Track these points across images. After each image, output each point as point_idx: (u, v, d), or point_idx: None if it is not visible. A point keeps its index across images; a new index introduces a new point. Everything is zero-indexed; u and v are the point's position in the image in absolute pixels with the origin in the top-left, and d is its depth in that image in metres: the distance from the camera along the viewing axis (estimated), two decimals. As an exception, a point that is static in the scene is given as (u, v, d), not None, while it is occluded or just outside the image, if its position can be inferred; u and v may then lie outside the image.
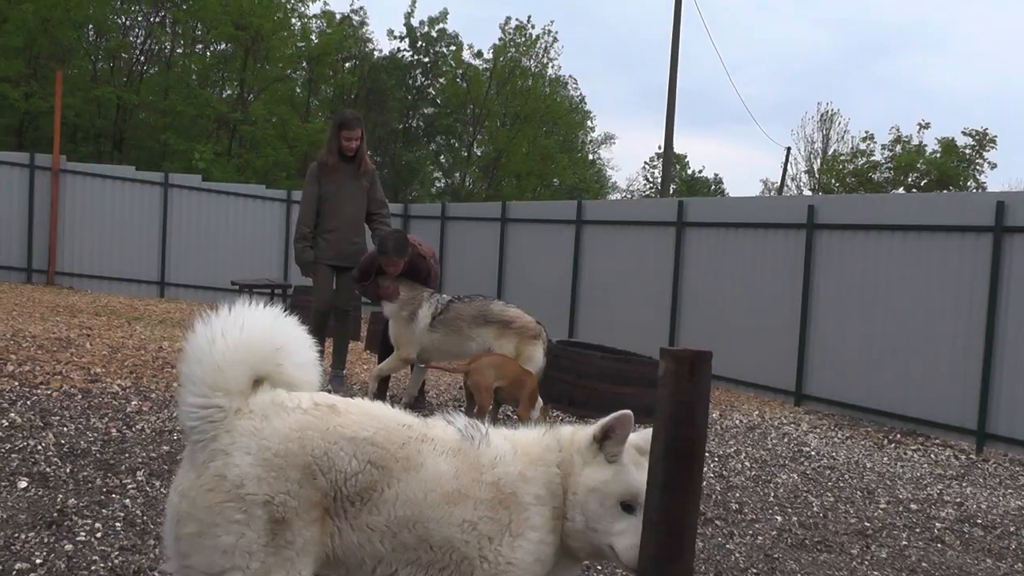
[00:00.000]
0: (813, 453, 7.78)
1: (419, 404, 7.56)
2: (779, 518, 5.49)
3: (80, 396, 6.21)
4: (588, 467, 2.51)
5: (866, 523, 5.58)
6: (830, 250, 11.02)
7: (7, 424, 5.16)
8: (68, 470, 4.39)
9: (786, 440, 8.32)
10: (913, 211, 10.19)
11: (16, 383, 6.37)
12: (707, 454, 7.07)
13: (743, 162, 79.88)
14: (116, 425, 5.46)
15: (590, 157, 44.43)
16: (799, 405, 11.05)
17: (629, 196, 52.12)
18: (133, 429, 5.40)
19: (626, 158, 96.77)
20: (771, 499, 5.98)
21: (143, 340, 9.76)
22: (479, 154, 35.19)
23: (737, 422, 9.01)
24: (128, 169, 18.30)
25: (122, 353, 8.41)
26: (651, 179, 52.85)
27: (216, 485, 2.33)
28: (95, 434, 5.18)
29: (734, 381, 12.09)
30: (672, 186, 48.35)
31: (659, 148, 52.93)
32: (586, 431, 2.59)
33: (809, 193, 43.40)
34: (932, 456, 8.37)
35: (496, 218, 17.05)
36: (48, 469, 4.37)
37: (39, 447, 4.74)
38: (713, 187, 53.02)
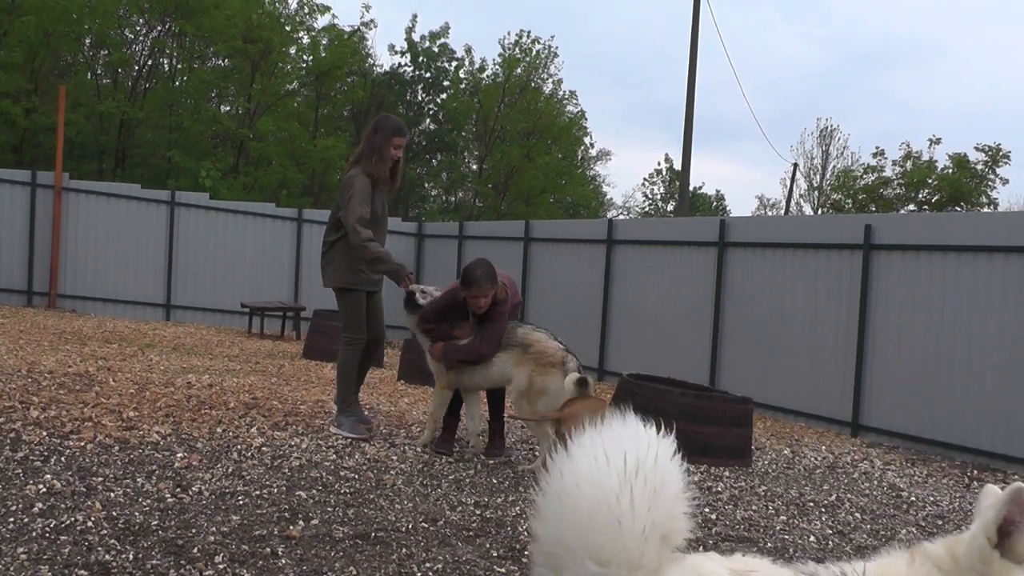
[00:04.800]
0: (912, 498, 7.09)
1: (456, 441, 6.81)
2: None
3: (117, 448, 5.48)
4: None
5: (1023, 593, 4.90)
6: (890, 272, 10.39)
7: (45, 490, 4.40)
8: (131, 557, 3.61)
9: (874, 482, 7.64)
10: (980, 230, 9.60)
11: (44, 433, 5.63)
12: (811, 503, 6.39)
13: (736, 179, 79.57)
14: (168, 487, 4.71)
15: (588, 174, 43.83)
16: (856, 436, 10.41)
17: (626, 213, 51.61)
18: (189, 492, 4.65)
19: (619, 175, 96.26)
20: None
21: (166, 374, 9.02)
22: (488, 170, 34.46)
23: (816, 460, 8.32)
24: (133, 187, 17.57)
25: (150, 391, 7.66)
26: (650, 196, 52.36)
27: None
28: (148, 500, 4.43)
29: (783, 410, 11.43)
30: (672, 203, 47.90)
31: (658, 164, 52.51)
32: (963, 538, 1.63)
33: (809, 210, 42.99)
34: None
35: (519, 237, 16.33)
36: (108, 556, 3.57)
37: (89, 523, 3.97)
38: (715, 203, 52.55)
